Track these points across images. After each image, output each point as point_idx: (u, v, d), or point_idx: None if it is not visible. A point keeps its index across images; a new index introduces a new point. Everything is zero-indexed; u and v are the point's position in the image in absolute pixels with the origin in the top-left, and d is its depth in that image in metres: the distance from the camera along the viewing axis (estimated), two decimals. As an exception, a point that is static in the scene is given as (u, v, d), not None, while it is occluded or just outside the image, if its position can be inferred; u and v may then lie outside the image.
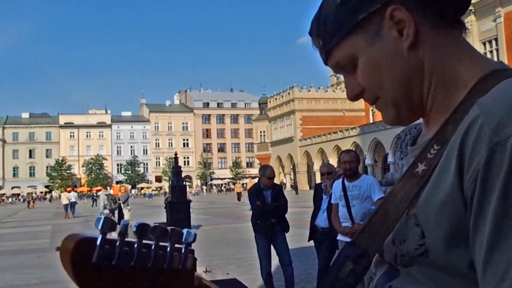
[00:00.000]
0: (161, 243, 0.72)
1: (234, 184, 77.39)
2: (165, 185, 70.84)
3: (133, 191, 61.75)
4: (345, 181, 5.96)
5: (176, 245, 0.73)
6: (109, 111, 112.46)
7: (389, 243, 0.97)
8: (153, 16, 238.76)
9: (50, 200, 75.60)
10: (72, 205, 35.73)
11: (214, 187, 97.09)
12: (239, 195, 43.14)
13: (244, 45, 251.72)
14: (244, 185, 69.24)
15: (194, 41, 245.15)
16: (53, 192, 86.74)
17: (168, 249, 0.73)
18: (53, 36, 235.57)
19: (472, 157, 0.81)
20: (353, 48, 1.00)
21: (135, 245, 0.70)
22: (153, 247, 0.71)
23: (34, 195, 70.31)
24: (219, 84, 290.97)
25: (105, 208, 18.57)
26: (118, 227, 0.69)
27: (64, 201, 35.45)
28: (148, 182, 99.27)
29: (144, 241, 0.70)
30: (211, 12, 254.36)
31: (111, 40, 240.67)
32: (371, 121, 63.93)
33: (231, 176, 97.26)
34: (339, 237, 5.98)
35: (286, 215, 7.86)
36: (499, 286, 0.76)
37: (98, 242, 0.67)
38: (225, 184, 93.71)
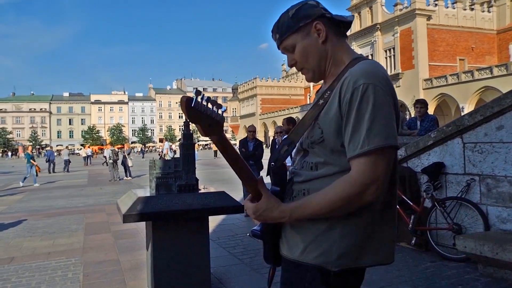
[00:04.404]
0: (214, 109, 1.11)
1: (211, 144, 77.20)
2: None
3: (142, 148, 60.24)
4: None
5: (219, 110, 1.12)
6: (126, 92, 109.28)
7: (306, 138, 1.32)
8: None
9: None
10: (89, 157, 35.25)
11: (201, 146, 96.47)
12: (215, 152, 42.63)
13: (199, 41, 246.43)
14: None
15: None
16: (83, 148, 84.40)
17: (217, 110, 1.12)
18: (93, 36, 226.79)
19: (345, 95, 1.19)
20: (295, 40, 1.32)
21: (207, 105, 1.09)
22: (212, 108, 1.11)
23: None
24: (204, 75, 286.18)
25: (110, 158, 17.68)
26: (199, 97, 1.08)
27: (83, 154, 35.04)
28: (154, 142, 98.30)
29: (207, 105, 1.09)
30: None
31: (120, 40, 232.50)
32: (308, 102, 64.25)
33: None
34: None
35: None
36: (354, 151, 1.16)
37: (194, 99, 1.05)
38: (207, 144, 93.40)
